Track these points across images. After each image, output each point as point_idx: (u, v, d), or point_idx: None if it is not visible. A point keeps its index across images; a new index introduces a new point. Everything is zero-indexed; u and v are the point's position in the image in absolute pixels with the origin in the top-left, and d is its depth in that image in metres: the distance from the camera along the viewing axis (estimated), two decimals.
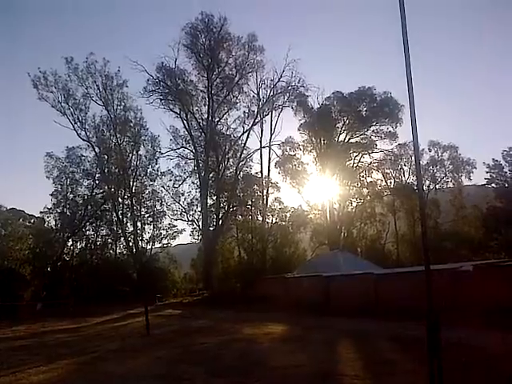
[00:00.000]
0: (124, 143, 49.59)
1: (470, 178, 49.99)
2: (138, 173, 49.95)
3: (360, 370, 8.85)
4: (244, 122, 49.77)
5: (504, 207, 39.04)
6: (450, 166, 50.78)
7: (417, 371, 7.36)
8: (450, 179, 51.19)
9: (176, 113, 49.32)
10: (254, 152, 50.66)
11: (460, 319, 13.18)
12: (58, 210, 49.04)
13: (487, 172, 42.92)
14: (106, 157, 48.75)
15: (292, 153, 51.59)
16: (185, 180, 50.54)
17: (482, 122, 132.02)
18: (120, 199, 49.98)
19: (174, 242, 53.47)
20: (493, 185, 42.96)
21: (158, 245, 52.15)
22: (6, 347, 14.98)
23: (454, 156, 50.54)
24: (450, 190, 51.54)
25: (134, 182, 49.62)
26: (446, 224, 49.66)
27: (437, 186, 51.37)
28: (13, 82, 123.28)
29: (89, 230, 50.18)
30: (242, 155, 49.31)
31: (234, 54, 48.53)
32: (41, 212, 49.28)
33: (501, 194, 40.37)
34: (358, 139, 50.09)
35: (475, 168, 49.02)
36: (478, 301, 15.25)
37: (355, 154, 50.38)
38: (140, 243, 50.17)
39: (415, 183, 47.45)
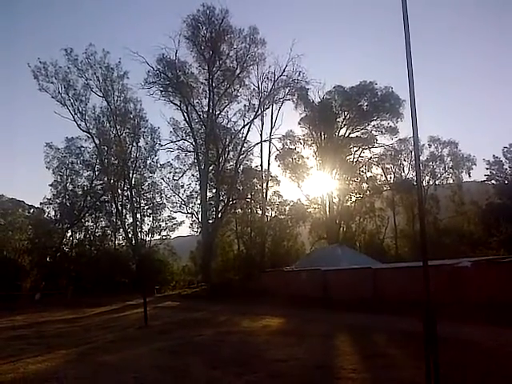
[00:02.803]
0: (124, 135, 49.67)
1: (469, 175, 50.17)
2: (137, 164, 50.06)
3: (357, 363, 8.88)
4: (244, 115, 49.56)
5: (503, 204, 38.99)
6: (450, 162, 50.89)
7: (414, 365, 7.39)
8: (450, 175, 51.39)
9: (176, 105, 49.15)
10: (254, 145, 50.58)
11: (458, 315, 13.24)
12: (58, 201, 49.17)
13: (487, 168, 42.86)
14: (106, 148, 48.77)
15: (292, 146, 51.60)
16: (185, 172, 50.60)
17: (482, 119, 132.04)
18: (119, 191, 50.08)
19: (173, 234, 53.80)
20: (493, 181, 42.86)
21: (157, 237, 52.49)
22: (5, 336, 15.03)
23: (453, 152, 50.61)
24: (450, 185, 51.61)
25: (133, 173, 49.77)
26: (445, 220, 49.75)
27: (436, 182, 51.49)
28: (13, 71, 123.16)
29: (88, 221, 50.39)
30: (243, 148, 49.21)
31: (235, 46, 48.18)
32: (40, 203, 49.58)
33: (500, 191, 40.27)
34: (358, 134, 50.08)
35: (475, 164, 49.36)
36: (476, 297, 15.31)
37: (355, 149, 50.39)
38: (139, 235, 50.42)
39: (415, 178, 47.47)
